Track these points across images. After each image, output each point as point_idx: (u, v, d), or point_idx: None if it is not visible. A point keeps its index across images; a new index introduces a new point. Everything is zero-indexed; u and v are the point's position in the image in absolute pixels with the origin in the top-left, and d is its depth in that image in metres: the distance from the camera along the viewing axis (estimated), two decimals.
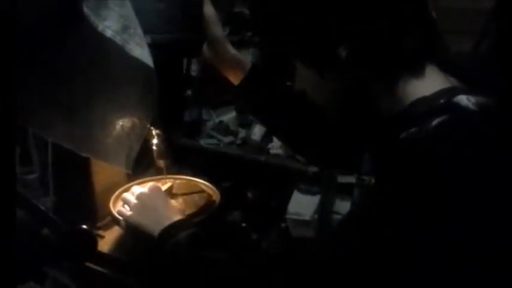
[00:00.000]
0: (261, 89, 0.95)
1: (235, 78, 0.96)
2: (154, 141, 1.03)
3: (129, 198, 0.95)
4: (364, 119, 0.71)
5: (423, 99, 0.61)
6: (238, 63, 0.94)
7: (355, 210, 0.72)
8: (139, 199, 0.92)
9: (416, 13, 0.62)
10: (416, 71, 0.63)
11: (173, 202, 1.03)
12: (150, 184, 1.01)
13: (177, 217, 0.86)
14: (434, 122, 0.56)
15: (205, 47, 0.94)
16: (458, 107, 0.57)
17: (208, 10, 0.90)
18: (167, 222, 0.83)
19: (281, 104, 0.94)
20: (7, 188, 0.49)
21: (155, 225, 0.84)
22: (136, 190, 0.98)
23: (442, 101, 0.59)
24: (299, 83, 0.73)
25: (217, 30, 0.91)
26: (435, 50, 0.64)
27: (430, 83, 0.63)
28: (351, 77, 0.65)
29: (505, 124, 0.57)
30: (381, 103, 0.66)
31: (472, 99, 0.58)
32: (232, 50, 0.94)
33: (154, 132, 1.02)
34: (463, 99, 0.58)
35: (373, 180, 0.68)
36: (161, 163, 1.07)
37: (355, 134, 0.84)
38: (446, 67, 0.65)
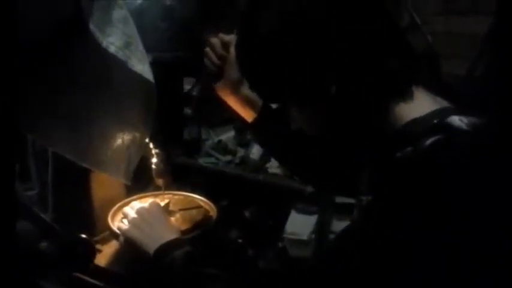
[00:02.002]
0: (272, 127, 0.96)
1: (248, 117, 0.97)
2: (154, 160, 1.04)
3: (129, 213, 0.95)
4: (359, 142, 0.72)
5: (415, 120, 0.63)
6: (251, 102, 0.95)
7: (352, 225, 0.73)
8: (139, 214, 0.93)
9: (393, 43, 0.63)
10: (405, 97, 0.65)
11: (172, 219, 1.04)
12: (150, 200, 1.02)
13: (175, 235, 0.87)
14: (429, 141, 0.58)
15: (220, 85, 0.96)
16: (452, 127, 0.59)
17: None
18: (164, 240, 0.84)
19: (290, 141, 0.95)
20: (7, 192, 0.49)
21: (152, 242, 0.85)
22: (137, 205, 0.99)
23: (435, 121, 0.60)
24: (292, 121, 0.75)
25: (237, 71, 0.92)
26: (420, 73, 0.66)
27: (420, 105, 0.64)
28: (342, 110, 0.66)
29: (498, 141, 0.58)
30: (374, 127, 0.67)
31: (465, 119, 0.59)
32: (246, 90, 0.94)
33: (153, 151, 1.03)
34: (456, 120, 0.59)
35: (369, 198, 0.69)
36: (160, 182, 1.08)
37: (351, 157, 0.86)
38: (434, 89, 0.67)
